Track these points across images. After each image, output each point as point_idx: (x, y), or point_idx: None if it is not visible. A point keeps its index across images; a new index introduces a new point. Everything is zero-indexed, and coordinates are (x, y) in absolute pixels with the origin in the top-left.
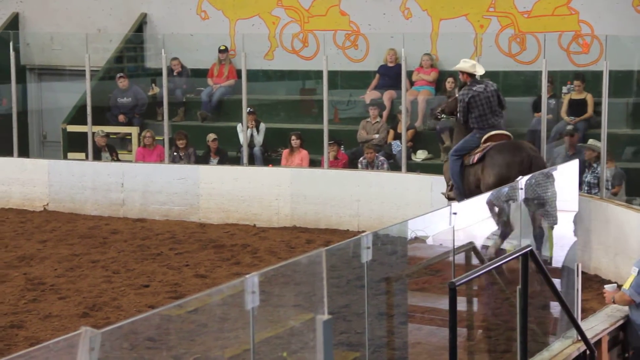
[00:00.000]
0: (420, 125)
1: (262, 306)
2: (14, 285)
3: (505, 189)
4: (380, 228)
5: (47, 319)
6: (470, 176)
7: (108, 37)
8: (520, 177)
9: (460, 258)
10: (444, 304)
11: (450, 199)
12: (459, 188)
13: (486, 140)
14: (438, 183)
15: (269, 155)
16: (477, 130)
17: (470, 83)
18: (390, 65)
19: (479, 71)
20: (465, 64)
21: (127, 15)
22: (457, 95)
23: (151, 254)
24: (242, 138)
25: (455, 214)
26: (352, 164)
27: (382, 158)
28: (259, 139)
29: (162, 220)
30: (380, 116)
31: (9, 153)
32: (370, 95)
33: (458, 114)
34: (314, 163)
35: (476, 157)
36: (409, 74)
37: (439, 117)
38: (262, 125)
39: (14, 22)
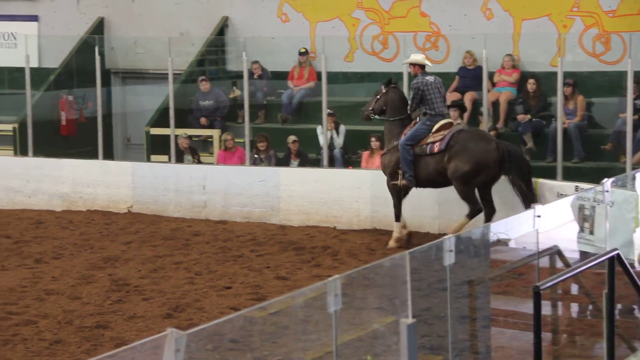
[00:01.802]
0: (502, 126)
1: (344, 309)
2: (99, 286)
3: (591, 190)
4: (462, 231)
5: (132, 320)
6: (429, 165)
7: (190, 41)
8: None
9: (543, 261)
10: (527, 307)
11: (405, 186)
12: (412, 176)
13: (438, 129)
14: None
15: (349, 157)
16: (428, 118)
17: (422, 74)
18: (469, 67)
19: (429, 64)
20: (417, 57)
21: (208, 19)
22: (383, 91)
23: (232, 256)
24: (322, 140)
25: (539, 216)
26: None
27: None
28: (339, 141)
29: (243, 222)
30: (461, 118)
31: (94, 155)
32: (450, 97)
33: (410, 102)
34: None
35: (436, 146)
36: (490, 75)
37: (371, 117)
38: (342, 127)
39: (99, 26)
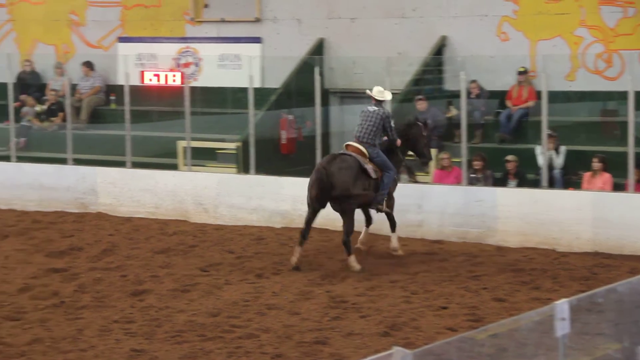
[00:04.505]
0: None
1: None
2: (318, 303)
3: None
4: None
5: (350, 337)
6: None
7: (408, 61)
8: None
9: None
10: None
11: None
12: None
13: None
14: None
15: (569, 178)
16: None
17: (371, 104)
18: None
19: (387, 96)
20: (374, 90)
21: (427, 39)
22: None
23: (449, 276)
24: (542, 160)
25: None
26: None
27: None
28: (558, 161)
29: (459, 242)
30: None
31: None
32: None
33: None
34: (618, 187)
35: None
36: None
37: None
38: (562, 148)
39: (319, 47)
